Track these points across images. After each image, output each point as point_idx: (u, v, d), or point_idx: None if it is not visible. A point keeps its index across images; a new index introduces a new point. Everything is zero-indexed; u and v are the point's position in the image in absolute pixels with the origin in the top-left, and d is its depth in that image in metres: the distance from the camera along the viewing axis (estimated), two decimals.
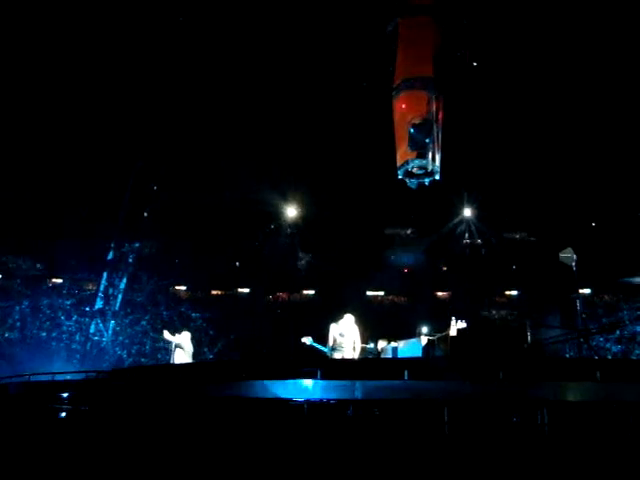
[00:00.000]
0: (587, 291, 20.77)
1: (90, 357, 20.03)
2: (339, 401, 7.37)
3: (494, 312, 22.17)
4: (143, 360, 20.52)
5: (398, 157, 14.28)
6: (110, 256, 21.26)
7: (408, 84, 14.39)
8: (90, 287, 21.91)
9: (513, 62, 17.10)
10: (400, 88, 14.53)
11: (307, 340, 11.94)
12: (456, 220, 22.60)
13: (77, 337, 20.70)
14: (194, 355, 13.72)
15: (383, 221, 23.09)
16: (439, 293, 23.36)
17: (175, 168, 21.46)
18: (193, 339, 13.85)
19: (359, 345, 11.72)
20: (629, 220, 19.85)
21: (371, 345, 13.13)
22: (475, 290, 21.72)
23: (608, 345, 19.68)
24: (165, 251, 21.94)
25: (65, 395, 9.81)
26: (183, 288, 23.72)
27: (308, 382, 7.54)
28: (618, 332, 19.73)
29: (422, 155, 13.75)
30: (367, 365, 9.18)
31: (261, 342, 20.26)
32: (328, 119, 19.03)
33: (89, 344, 20.49)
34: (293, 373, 7.76)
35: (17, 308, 21.14)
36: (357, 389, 7.29)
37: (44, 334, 20.64)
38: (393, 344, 12.47)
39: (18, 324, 20.95)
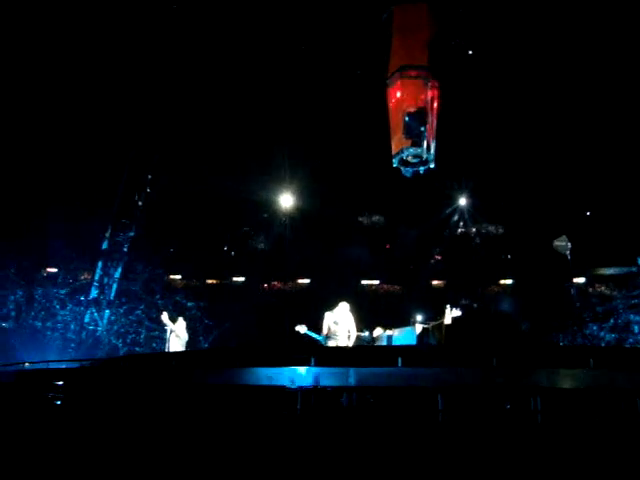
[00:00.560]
0: (581, 280, 20.86)
1: (85, 346, 20.03)
2: (333, 388, 7.39)
3: (488, 300, 22.22)
4: (138, 349, 20.57)
5: (393, 145, 14.27)
6: (105, 245, 21.18)
7: (403, 72, 14.35)
8: (85, 276, 21.89)
9: (508, 50, 17.06)
10: (395, 76, 14.49)
11: (301, 328, 11.86)
12: (451, 208, 22.65)
13: (72, 326, 20.70)
14: (188, 344, 13.76)
15: (377, 209, 23.12)
16: (434, 282, 23.39)
17: (170, 157, 21.40)
18: (188, 328, 13.90)
19: (354, 333, 11.70)
20: (624, 209, 19.87)
21: (366, 333, 13.13)
22: (470, 279, 21.76)
23: (602, 334, 19.76)
24: (160, 240, 21.88)
25: (60, 383, 9.82)
26: (178, 277, 23.72)
27: (302, 369, 7.54)
28: (612, 321, 19.82)
29: (417, 143, 13.75)
30: (361, 352, 9.18)
31: (256, 331, 20.27)
32: (323, 108, 19.00)
33: (84, 333, 20.49)
34: (287, 360, 7.76)
35: (12, 297, 21.13)
36: (351, 376, 7.30)
37: (39, 323, 20.64)
38: (388, 332, 12.49)
39: (13, 313, 20.94)
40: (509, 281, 22.99)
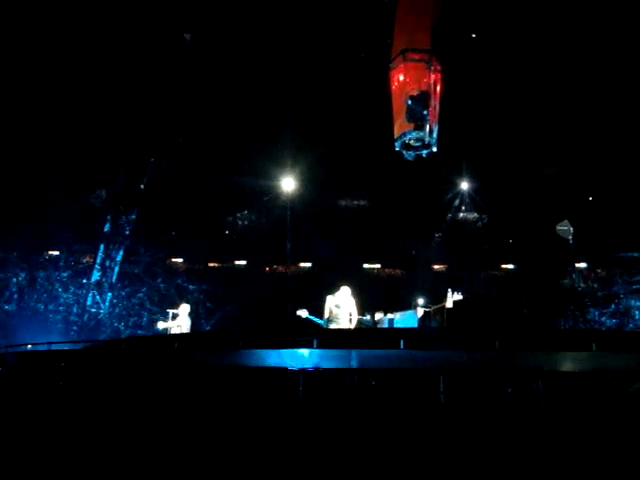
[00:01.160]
0: (583, 265, 20.87)
1: (87, 329, 20.11)
2: (335, 370, 7.40)
3: (491, 284, 22.25)
4: (140, 332, 20.64)
5: (395, 129, 14.15)
6: (107, 228, 21.18)
7: (406, 55, 14.22)
8: (87, 259, 21.92)
9: (511, 34, 16.98)
10: (398, 60, 14.36)
11: (303, 313, 11.86)
12: (453, 193, 22.61)
13: (74, 309, 20.76)
14: (190, 328, 13.72)
15: (379, 194, 23.04)
16: (435, 266, 23.40)
17: (173, 140, 21.35)
18: (191, 313, 13.84)
19: (356, 317, 11.71)
20: (625, 195, 19.83)
21: (367, 317, 13.17)
22: (472, 263, 21.77)
23: (603, 319, 19.81)
24: (162, 223, 21.88)
25: (63, 364, 9.85)
26: (180, 260, 23.74)
27: (304, 351, 7.56)
28: (613, 306, 19.86)
29: (419, 127, 13.60)
30: (363, 335, 9.20)
31: (258, 314, 20.31)
32: (325, 91, 18.92)
33: (86, 316, 20.55)
34: (289, 342, 7.77)
35: (14, 280, 21.19)
36: (353, 358, 7.32)
37: (41, 306, 20.71)
38: (389, 316, 12.51)
39: (15, 296, 21.01)
40: (510, 265, 23.02)
